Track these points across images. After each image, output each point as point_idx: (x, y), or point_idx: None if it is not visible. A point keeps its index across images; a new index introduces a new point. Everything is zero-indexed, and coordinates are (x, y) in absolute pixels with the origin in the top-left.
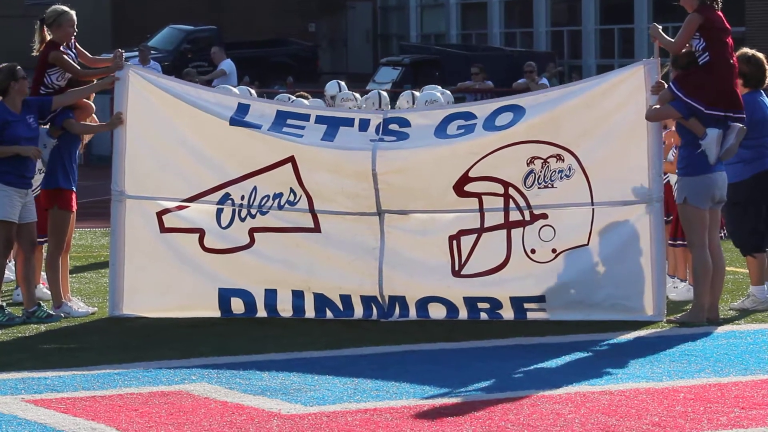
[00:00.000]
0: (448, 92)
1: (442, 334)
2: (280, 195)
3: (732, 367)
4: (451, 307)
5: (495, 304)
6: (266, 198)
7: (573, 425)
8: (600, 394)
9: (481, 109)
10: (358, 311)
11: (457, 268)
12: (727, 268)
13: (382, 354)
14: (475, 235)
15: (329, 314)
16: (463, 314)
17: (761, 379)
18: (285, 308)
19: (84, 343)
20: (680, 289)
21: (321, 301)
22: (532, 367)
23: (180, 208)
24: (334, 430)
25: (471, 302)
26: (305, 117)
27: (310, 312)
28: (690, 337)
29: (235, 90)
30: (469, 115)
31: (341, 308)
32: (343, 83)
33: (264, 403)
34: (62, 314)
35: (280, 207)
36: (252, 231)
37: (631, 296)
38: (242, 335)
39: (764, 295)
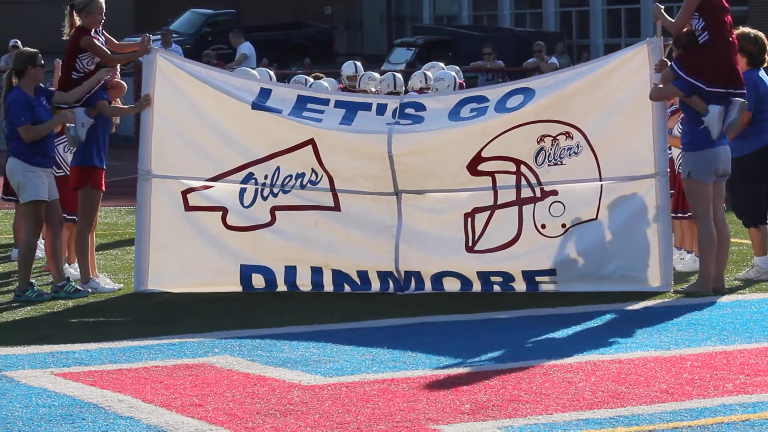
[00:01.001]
0: (457, 67)
1: (457, 306)
2: (303, 175)
3: (737, 335)
4: (465, 281)
5: (507, 277)
6: (289, 177)
7: (584, 393)
8: (610, 362)
9: (493, 92)
10: (375, 285)
11: (471, 244)
12: (731, 240)
13: (398, 326)
14: (489, 212)
15: (347, 288)
16: (476, 287)
17: (766, 346)
18: (304, 283)
19: (110, 317)
20: (686, 261)
21: (339, 276)
22: (543, 338)
23: (205, 187)
24: (353, 399)
25: (484, 276)
26: (325, 102)
27: (328, 286)
28: (696, 306)
29: (254, 72)
30: (482, 99)
31: (359, 283)
32: (359, 63)
33: (285, 374)
34: (89, 289)
35: (303, 186)
36: (273, 209)
37: (639, 268)
38: (263, 309)
39: None
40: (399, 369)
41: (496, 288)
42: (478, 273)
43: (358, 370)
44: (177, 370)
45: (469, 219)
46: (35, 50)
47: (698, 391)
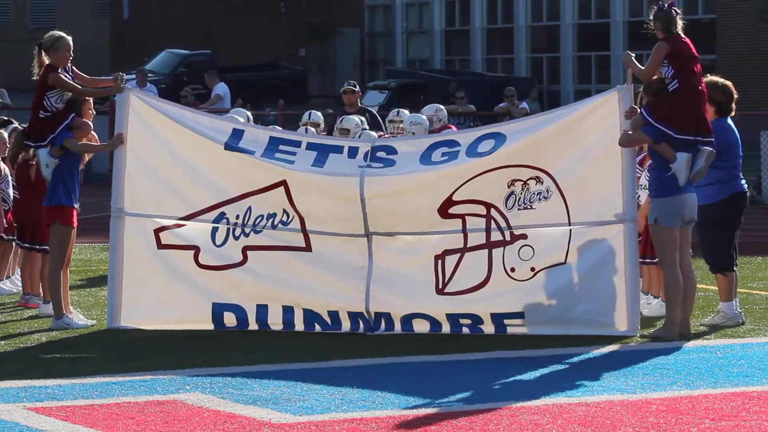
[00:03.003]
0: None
1: (426, 348)
2: (274, 215)
3: (702, 380)
4: (434, 323)
5: (476, 319)
6: (260, 218)
7: None
8: (576, 405)
9: (464, 137)
10: (346, 325)
11: (441, 286)
12: (697, 286)
13: (368, 366)
14: (459, 255)
15: (318, 328)
16: (445, 329)
17: (730, 391)
18: (275, 322)
19: (83, 353)
20: (653, 306)
21: (310, 315)
22: (511, 380)
23: (177, 225)
24: None
25: (453, 318)
26: (297, 143)
27: (299, 326)
28: (662, 351)
29: (245, 111)
30: (453, 143)
31: (329, 323)
32: (316, 112)
33: (255, 412)
34: (64, 324)
35: (274, 227)
36: (245, 249)
37: (606, 312)
38: (234, 347)
39: (733, 311)
40: (368, 409)
41: (465, 330)
42: (447, 315)
43: (327, 409)
44: (148, 406)
45: (440, 261)
46: None
47: None
